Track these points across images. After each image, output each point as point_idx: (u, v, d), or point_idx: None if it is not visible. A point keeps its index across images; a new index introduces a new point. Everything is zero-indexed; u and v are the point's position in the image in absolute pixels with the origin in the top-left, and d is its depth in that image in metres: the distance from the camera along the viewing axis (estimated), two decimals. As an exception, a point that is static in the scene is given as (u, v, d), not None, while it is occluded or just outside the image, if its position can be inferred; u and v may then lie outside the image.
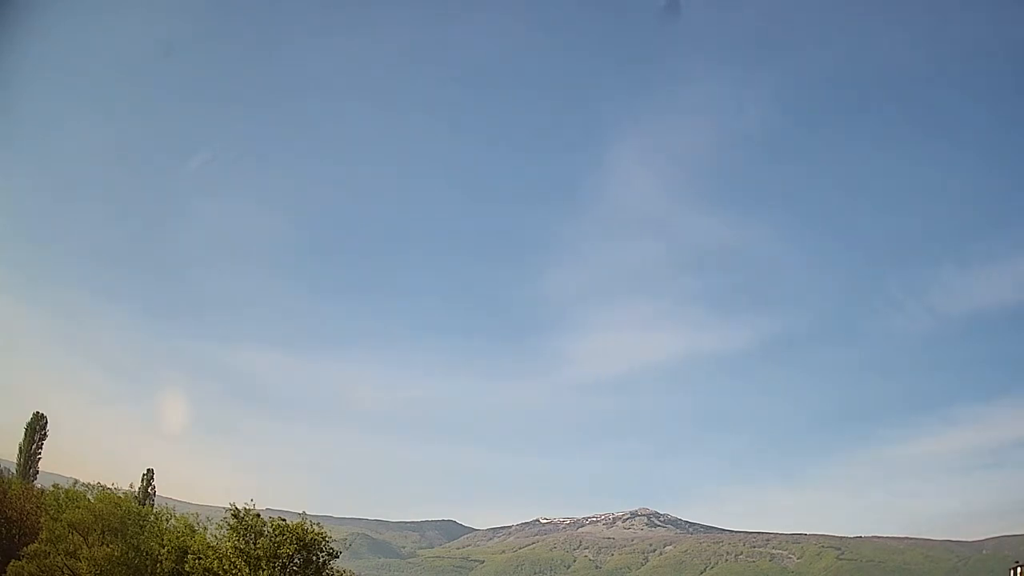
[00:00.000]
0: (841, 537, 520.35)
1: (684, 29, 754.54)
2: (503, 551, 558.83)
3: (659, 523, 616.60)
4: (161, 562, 56.29)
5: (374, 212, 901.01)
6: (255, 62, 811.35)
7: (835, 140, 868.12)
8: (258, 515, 56.09)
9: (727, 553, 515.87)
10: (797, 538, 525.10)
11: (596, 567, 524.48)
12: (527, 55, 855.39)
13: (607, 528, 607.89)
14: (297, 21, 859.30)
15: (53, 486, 71.52)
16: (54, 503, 64.34)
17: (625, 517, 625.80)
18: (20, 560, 56.40)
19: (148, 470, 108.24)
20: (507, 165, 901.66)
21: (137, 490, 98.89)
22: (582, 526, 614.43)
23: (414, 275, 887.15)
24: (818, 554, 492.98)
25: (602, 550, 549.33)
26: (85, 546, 55.70)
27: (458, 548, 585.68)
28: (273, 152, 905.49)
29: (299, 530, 55.16)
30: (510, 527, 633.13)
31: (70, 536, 56.63)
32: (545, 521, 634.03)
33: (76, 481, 69.01)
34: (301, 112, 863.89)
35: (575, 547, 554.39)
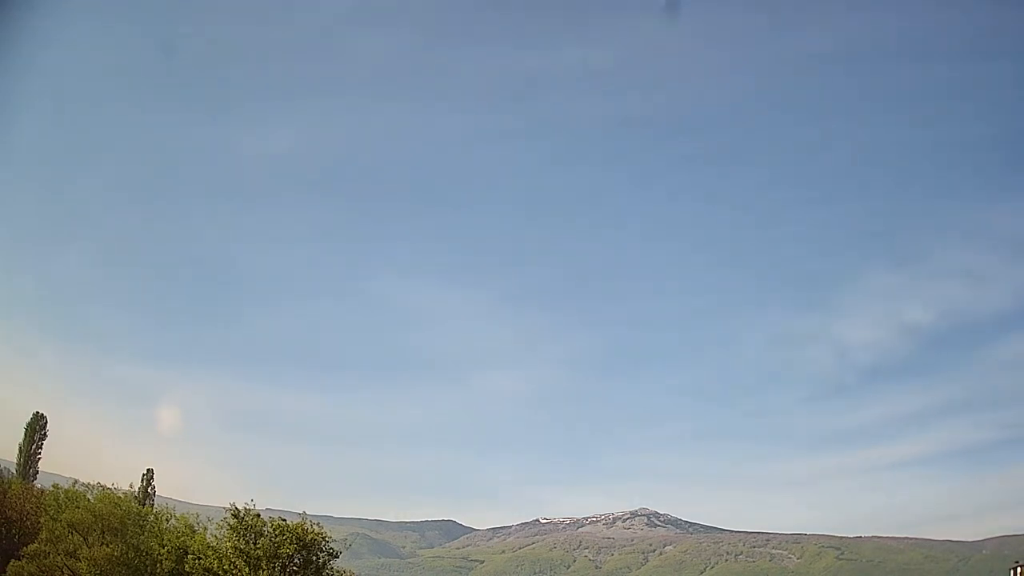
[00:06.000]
0: (841, 537, 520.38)
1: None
2: (503, 551, 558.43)
3: (659, 523, 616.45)
4: (161, 562, 56.19)
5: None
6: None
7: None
8: (258, 515, 56.01)
9: (727, 553, 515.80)
10: (797, 538, 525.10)
11: (596, 567, 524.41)
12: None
13: (607, 528, 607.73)
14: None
15: (53, 486, 71.07)
16: (54, 503, 64.00)
17: (625, 517, 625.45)
18: (20, 560, 56.33)
19: (148, 470, 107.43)
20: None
21: (137, 490, 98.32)
22: (582, 526, 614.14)
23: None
24: (818, 554, 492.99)
25: (602, 550, 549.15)
26: (85, 546, 55.66)
27: (458, 548, 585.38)
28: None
29: (299, 530, 55.11)
30: (510, 527, 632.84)
31: (70, 536, 56.60)
32: (545, 521, 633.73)
33: (76, 481, 68.67)
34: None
35: (575, 547, 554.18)
